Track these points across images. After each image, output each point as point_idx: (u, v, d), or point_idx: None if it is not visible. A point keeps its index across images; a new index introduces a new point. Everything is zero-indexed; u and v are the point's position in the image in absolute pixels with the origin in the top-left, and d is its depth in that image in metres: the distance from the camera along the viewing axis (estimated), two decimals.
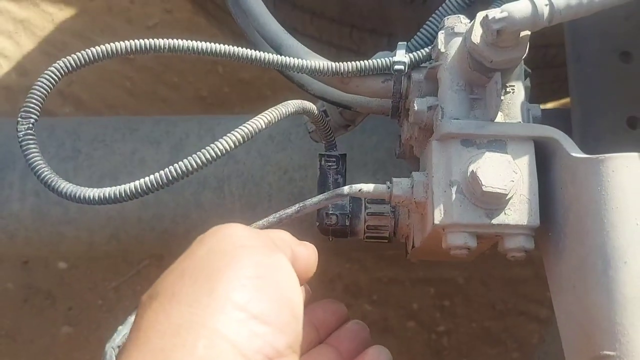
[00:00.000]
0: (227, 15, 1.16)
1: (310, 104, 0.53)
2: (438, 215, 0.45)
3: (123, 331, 0.42)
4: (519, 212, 0.45)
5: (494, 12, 0.44)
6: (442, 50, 0.50)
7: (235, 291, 0.35)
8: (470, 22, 0.50)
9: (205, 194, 0.77)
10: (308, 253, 0.44)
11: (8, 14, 1.72)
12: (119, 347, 0.41)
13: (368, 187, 0.50)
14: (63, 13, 1.71)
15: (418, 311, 1.34)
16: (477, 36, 0.46)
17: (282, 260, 0.39)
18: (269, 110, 0.47)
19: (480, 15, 0.46)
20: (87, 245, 0.79)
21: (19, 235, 0.78)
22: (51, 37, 1.68)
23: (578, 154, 0.45)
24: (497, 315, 1.35)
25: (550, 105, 1.32)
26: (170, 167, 0.42)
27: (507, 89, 0.49)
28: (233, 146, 0.44)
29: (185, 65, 1.62)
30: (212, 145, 0.43)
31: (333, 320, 0.48)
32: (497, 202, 0.44)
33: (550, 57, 1.02)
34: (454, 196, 0.45)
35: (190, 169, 0.42)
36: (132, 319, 0.41)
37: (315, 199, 0.50)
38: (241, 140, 0.44)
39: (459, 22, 0.50)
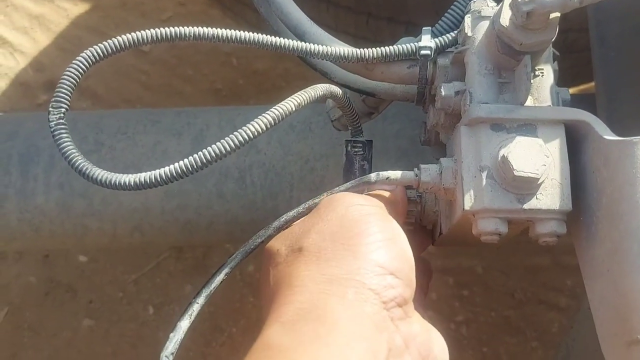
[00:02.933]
0: (243, 7, 1.16)
1: (337, 88, 0.53)
2: (468, 201, 0.45)
3: (175, 338, 0.42)
4: (550, 196, 0.44)
5: None
6: (469, 34, 0.49)
7: (373, 253, 0.43)
8: (497, 5, 0.49)
9: (227, 184, 0.77)
10: (401, 208, 0.52)
11: (23, 10, 1.73)
12: (172, 354, 0.41)
13: (395, 174, 0.50)
14: (78, 8, 1.72)
15: (437, 301, 1.34)
16: (506, 19, 0.45)
17: (395, 224, 0.47)
18: (297, 93, 0.47)
19: None
20: (110, 237, 0.79)
21: (44, 228, 0.78)
22: (66, 32, 1.69)
23: (611, 136, 0.44)
24: (517, 304, 1.34)
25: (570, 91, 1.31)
26: (204, 150, 0.42)
27: (537, 72, 0.48)
28: (265, 128, 0.44)
29: (199, 57, 1.62)
30: (244, 127, 0.43)
31: None
32: (528, 186, 0.44)
33: (570, 42, 1.01)
34: (484, 181, 0.45)
35: (224, 151, 0.42)
36: (181, 324, 0.42)
37: (342, 187, 0.50)
38: (273, 122, 0.44)
39: (485, 6, 0.50)
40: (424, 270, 0.60)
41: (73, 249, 1.38)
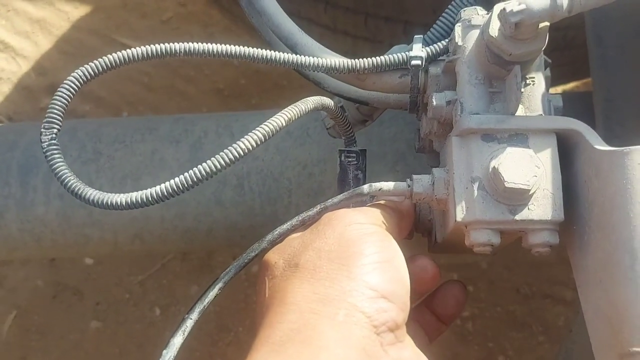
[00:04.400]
0: (241, 8, 1.16)
1: (329, 100, 0.53)
2: (460, 213, 0.45)
3: (167, 355, 0.42)
4: (542, 207, 0.44)
5: (512, 5, 0.43)
6: (460, 43, 0.49)
7: (367, 274, 0.43)
8: (487, 14, 0.49)
9: (226, 191, 0.77)
10: (407, 222, 0.52)
11: (25, 14, 1.74)
12: None
13: (388, 185, 0.50)
14: (78, 11, 1.72)
15: None
16: (494, 29, 0.45)
17: (394, 244, 0.46)
18: (288, 107, 0.47)
19: (497, 8, 0.45)
20: (111, 246, 0.80)
21: (45, 238, 0.79)
22: (68, 35, 1.69)
23: (602, 146, 0.44)
24: (522, 299, 1.34)
25: (570, 85, 1.30)
26: (195, 169, 0.42)
27: (527, 81, 0.48)
28: (255, 145, 0.44)
29: (200, 58, 1.62)
30: (234, 145, 0.43)
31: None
32: (519, 197, 0.44)
33: (569, 39, 1.00)
34: (475, 193, 0.45)
35: (214, 170, 0.43)
36: (174, 340, 0.43)
37: (336, 199, 0.50)
38: (263, 139, 0.44)
39: (475, 14, 0.49)
40: None
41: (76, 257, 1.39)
